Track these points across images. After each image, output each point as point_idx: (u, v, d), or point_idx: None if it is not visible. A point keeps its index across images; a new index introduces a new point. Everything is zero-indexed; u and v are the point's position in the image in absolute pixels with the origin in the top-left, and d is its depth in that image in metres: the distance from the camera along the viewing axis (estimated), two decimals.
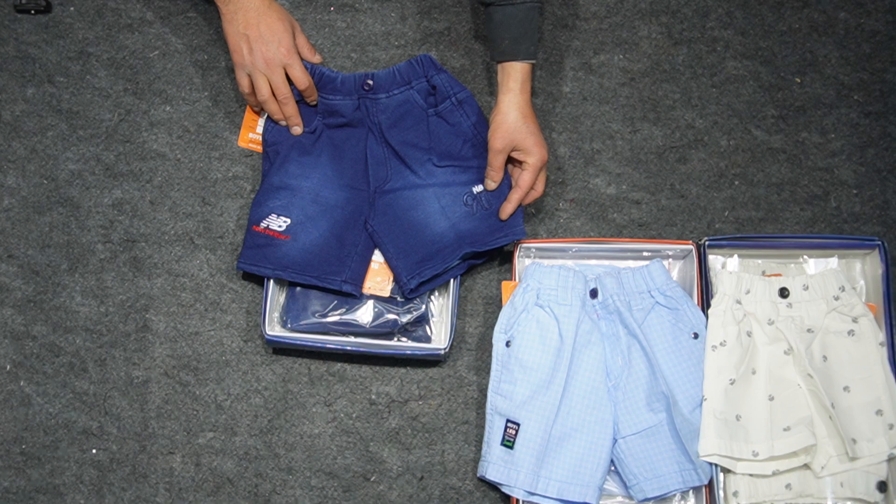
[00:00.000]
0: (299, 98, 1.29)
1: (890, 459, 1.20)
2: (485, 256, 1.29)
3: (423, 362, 1.29)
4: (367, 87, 1.29)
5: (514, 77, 1.21)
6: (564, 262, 1.29)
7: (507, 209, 1.25)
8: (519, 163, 1.25)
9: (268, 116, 1.31)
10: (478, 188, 1.28)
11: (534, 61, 1.22)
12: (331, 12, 1.42)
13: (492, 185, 1.26)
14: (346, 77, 1.29)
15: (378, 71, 1.30)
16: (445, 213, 1.27)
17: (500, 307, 1.26)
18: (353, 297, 1.26)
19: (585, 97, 1.39)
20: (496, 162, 1.24)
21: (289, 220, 1.26)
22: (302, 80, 1.26)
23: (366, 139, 1.30)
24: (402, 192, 1.28)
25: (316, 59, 1.29)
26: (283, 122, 1.30)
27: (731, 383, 1.20)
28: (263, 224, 1.26)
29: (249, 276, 1.32)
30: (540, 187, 1.26)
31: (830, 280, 1.23)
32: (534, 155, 1.22)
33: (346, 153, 1.30)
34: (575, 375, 1.22)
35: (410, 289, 1.24)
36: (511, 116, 1.21)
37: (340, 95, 1.29)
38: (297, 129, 1.30)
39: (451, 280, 1.27)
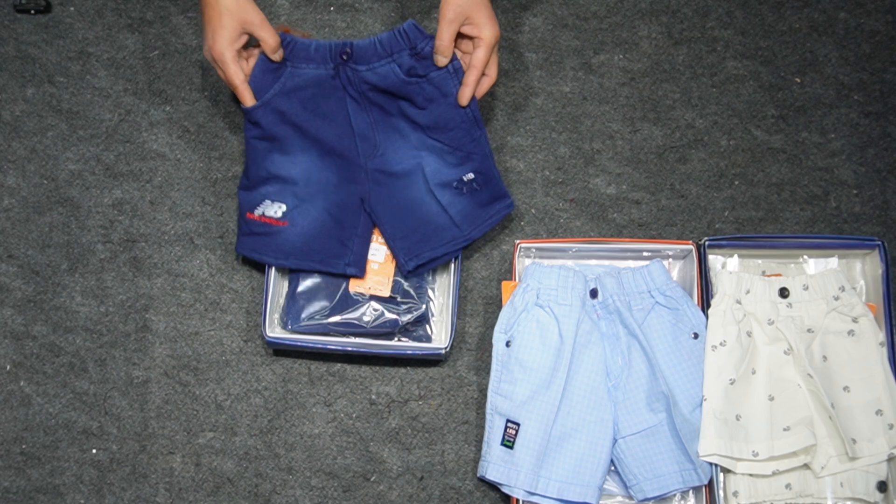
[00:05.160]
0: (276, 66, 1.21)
1: (890, 459, 1.20)
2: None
3: (423, 362, 1.29)
4: (345, 56, 1.21)
5: None
6: (564, 262, 1.29)
7: (465, 92, 1.20)
8: (470, 42, 1.19)
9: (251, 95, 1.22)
10: (468, 175, 1.25)
11: None
12: (331, 12, 1.42)
13: (442, 60, 1.19)
14: (320, 44, 1.21)
15: (357, 40, 1.21)
16: (436, 197, 1.25)
17: (500, 307, 1.26)
18: (357, 277, 1.26)
19: (585, 97, 1.39)
20: (447, 34, 1.17)
21: (284, 206, 1.25)
22: (228, 83, 1.19)
23: (348, 109, 1.24)
24: (395, 170, 1.24)
25: (275, 57, 1.20)
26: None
27: (731, 383, 1.20)
28: (258, 211, 1.25)
29: (249, 276, 1.32)
30: (493, 72, 1.21)
31: (830, 280, 1.23)
32: (487, 28, 1.16)
33: (331, 128, 1.24)
34: (575, 375, 1.22)
35: (408, 270, 1.25)
36: None
37: (315, 64, 1.22)
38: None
39: (451, 280, 1.27)
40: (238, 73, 1.19)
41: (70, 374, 1.29)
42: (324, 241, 1.25)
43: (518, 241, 1.27)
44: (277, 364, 1.30)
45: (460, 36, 1.19)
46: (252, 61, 1.21)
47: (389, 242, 1.26)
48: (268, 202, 1.25)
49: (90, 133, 1.37)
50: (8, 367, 1.29)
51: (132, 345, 1.30)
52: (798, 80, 1.41)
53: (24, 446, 1.27)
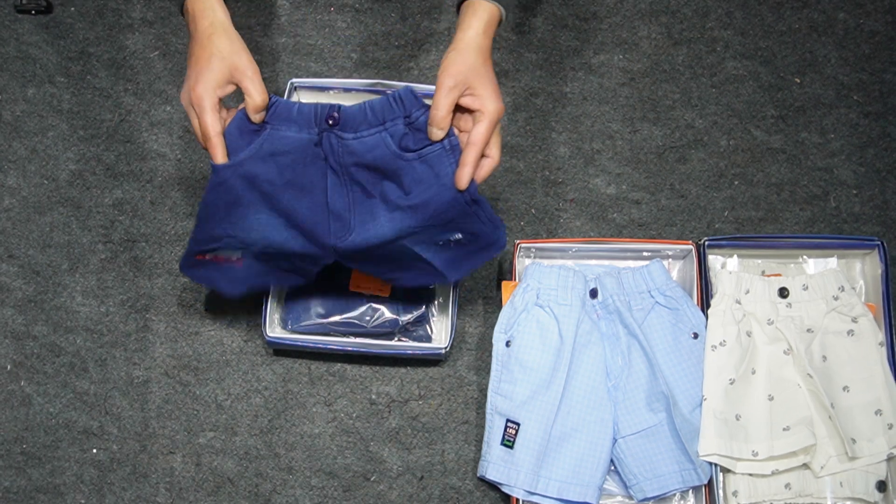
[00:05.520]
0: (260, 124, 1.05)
1: (889, 459, 1.20)
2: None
3: (423, 362, 1.30)
4: (331, 122, 1.04)
5: (479, 16, 1.03)
6: (564, 262, 1.29)
7: (463, 174, 1.03)
8: (470, 117, 1.04)
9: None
10: (456, 236, 1.10)
11: (503, 13, 1.06)
12: (331, 12, 1.42)
13: (438, 133, 1.03)
14: (304, 107, 1.04)
15: (347, 105, 1.04)
16: (419, 254, 1.12)
17: (500, 307, 1.26)
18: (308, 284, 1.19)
19: (585, 97, 1.40)
20: (444, 104, 1.01)
21: (239, 253, 1.15)
22: (198, 134, 1.05)
23: (327, 183, 1.08)
24: (368, 248, 1.10)
25: (256, 118, 1.04)
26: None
27: (731, 383, 1.20)
28: (209, 256, 1.14)
29: None
30: (495, 152, 1.05)
31: (830, 280, 1.23)
32: (490, 101, 1.02)
33: (305, 201, 1.09)
34: (575, 375, 1.22)
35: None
36: (470, 54, 1.02)
37: (297, 127, 1.05)
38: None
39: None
40: (215, 123, 1.03)
41: (70, 373, 1.29)
42: (278, 268, 1.18)
43: (518, 241, 1.28)
44: (277, 364, 1.30)
45: (460, 109, 1.04)
46: (228, 118, 1.05)
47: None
48: (221, 252, 1.14)
49: (91, 133, 1.37)
50: (8, 367, 1.29)
51: (132, 345, 1.30)
52: (798, 81, 1.41)
53: (24, 446, 1.27)
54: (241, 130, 1.04)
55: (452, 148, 1.04)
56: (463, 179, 1.04)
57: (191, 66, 1.03)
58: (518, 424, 1.20)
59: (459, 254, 1.13)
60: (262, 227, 1.10)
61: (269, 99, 1.03)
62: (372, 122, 1.04)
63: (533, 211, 1.35)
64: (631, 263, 1.30)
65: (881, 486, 1.19)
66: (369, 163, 1.06)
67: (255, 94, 1.02)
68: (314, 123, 1.05)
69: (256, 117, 1.04)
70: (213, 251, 1.12)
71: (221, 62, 1.02)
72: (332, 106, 1.04)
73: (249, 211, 1.09)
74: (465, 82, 1.02)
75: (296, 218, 1.09)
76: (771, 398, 1.20)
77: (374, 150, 1.05)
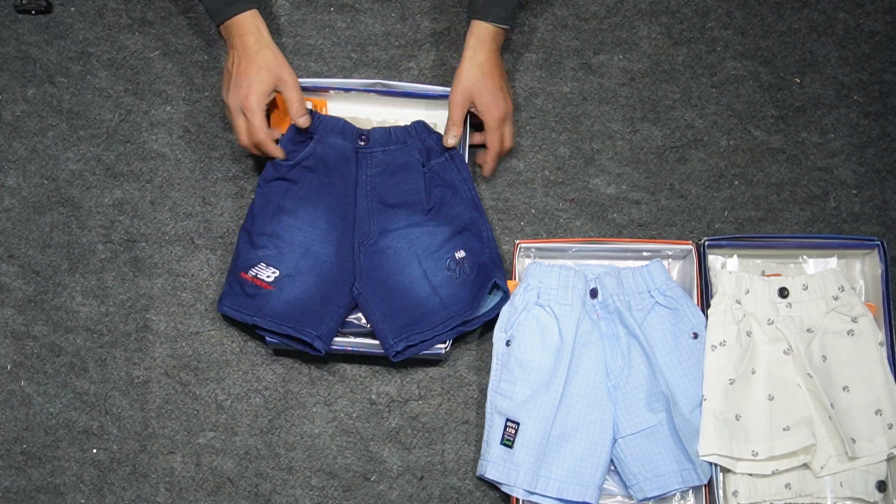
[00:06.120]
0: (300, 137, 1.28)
1: (889, 459, 1.20)
2: (474, 324, 1.26)
3: (423, 362, 1.30)
4: (362, 141, 1.28)
5: (475, 35, 1.24)
6: (564, 262, 1.29)
7: (486, 169, 1.33)
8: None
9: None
10: (460, 254, 1.26)
11: (503, 26, 1.24)
12: (331, 12, 1.42)
13: (451, 140, 1.27)
14: (346, 124, 1.28)
15: (373, 129, 1.29)
16: (427, 278, 1.25)
17: None
18: (319, 353, 1.23)
19: (585, 97, 1.40)
20: (455, 116, 1.26)
21: (277, 272, 1.24)
22: (244, 137, 1.23)
23: (354, 192, 1.28)
24: (386, 253, 1.26)
25: (302, 122, 1.25)
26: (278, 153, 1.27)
27: (731, 383, 1.20)
28: (252, 272, 1.24)
29: None
30: (507, 142, 1.30)
31: (830, 280, 1.23)
32: (490, 114, 1.26)
33: (339, 206, 1.27)
34: (575, 375, 1.22)
35: (396, 351, 1.22)
36: (468, 72, 1.24)
37: (341, 138, 1.28)
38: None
39: None
40: (264, 125, 1.22)
41: (70, 373, 1.29)
42: (304, 311, 1.23)
43: (518, 241, 1.28)
44: (277, 364, 1.30)
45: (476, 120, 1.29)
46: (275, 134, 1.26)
47: (376, 325, 1.23)
48: (262, 265, 1.24)
49: (91, 133, 1.37)
50: (8, 367, 1.30)
51: (132, 345, 1.30)
52: (798, 81, 1.41)
53: (24, 446, 1.27)
54: (293, 141, 1.28)
55: (452, 158, 1.29)
56: (487, 170, 1.33)
57: (240, 76, 1.21)
58: (518, 424, 1.20)
59: (465, 288, 1.25)
60: (306, 228, 1.26)
61: (311, 113, 1.26)
62: (394, 140, 1.29)
63: (533, 211, 1.35)
64: (631, 263, 1.30)
65: (881, 485, 1.19)
66: (394, 169, 1.28)
67: (296, 101, 1.23)
68: (351, 138, 1.28)
69: (301, 121, 1.25)
70: (256, 266, 1.24)
71: (269, 74, 1.20)
72: (361, 129, 1.29)
73: (298, 205, 1.27)
74: (468, 98, 1.25)
75: (332, 219, 1.26)
76: (771, 398, 1.20)
77: (399, 158, 1.29)
